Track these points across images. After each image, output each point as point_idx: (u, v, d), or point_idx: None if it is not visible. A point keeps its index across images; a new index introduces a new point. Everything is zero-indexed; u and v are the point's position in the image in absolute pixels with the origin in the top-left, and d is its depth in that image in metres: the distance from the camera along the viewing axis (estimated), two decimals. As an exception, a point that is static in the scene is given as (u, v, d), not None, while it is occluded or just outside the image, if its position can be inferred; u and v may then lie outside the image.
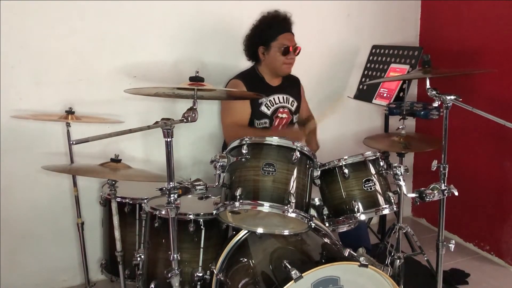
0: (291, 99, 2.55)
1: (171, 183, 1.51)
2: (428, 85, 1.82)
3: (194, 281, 1.91)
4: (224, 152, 1.72)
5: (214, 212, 1.72)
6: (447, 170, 1.79)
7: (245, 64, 2.60)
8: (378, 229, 3.13)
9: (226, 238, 1.96)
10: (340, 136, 3.23)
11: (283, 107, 2.52)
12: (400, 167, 1.73)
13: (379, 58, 3.03)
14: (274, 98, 2.49)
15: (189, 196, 1.60)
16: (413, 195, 1.76)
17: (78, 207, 2.36)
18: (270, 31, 2.39)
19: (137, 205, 2.17)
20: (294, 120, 2.60)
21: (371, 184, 1.79)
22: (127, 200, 2.17)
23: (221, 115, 2.56)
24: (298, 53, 2.44)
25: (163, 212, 1.52)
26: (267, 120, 2.48)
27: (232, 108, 2.44)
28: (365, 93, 3.02)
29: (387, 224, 3.00)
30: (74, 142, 1.29)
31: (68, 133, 2.28)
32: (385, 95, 2.82)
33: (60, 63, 2.42)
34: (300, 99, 2.64)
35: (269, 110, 2.47)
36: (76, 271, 2.65)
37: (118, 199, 2.06)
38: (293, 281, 1.41)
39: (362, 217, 1.78)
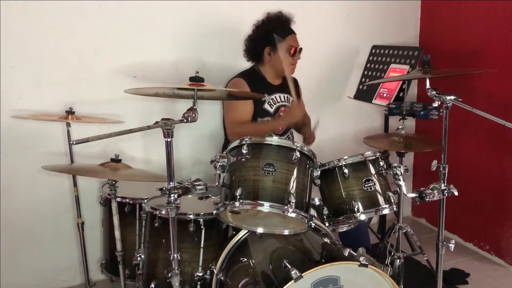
0: (291, 98, 2.55)
1: (171, 183, 1.51)
2: (428, 85, 1.82)
3: (194, 281, 1.91)
4: (224, 152, 1.72)
5: (214, 212, 1.72)
6: (447, 170, 1.79)
7: (245, 64, 2.60)
8: (378, 229, 3.13)
9: (226, 238, 1.97)
10: (340, 136, 3.23)
11: (284, 106, 2.53)
12: (400, 167, 1.73)
13: (379, 58, 3.03)
14: (276, 97, 2.50)
15: (189, 196, 1.61)
16: (413, 195, 1.76)
17: (78, 207, 2.36)
18: (278, 32, 2.39)
19: (137, 205, 2.17)
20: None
21: (371, 184, 1.79)
22: (127, 200, 2.17)
23: (224, 114, 2.56)
24: (300, 53, 2.47)
25: (163, 212, 1.53)
26: (269, 119, 2.49)
27: (235, 106, 2.45)
28: (365, 93, 3.02)
29: (387, 224, 3.01)
30: (74, 142, 1.29)
31: (68, 133, 2.28)
32: (385, 95, 2.82)
33: (60, 63, 2.42)
34: (299, 99, 2.64)
35: (271, 108, 2.49)
36: (76, 271, 2.65)
37: (118, 199, 2.07)
38: (293, 281, 1.41)
39: (362, 217, 1.78)
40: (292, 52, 2.40)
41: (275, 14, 2.45)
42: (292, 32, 2.44)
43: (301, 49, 2.45)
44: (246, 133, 2.15)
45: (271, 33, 2.40)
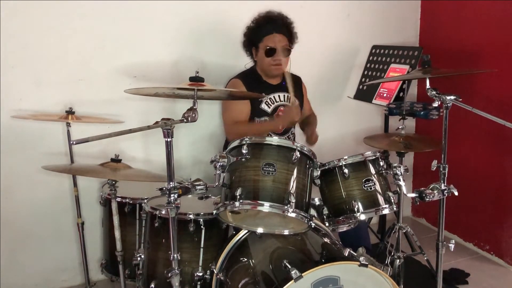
0: (291, 98, 2.55)
1: (171, 183, 1.51)
2: (428, 85, 1.82)
3: (194, 281, 1.91)
4: (224, 152, 1.72)
5: (214, 212, 1.73)
6: (447, 170, 1.79)
7: (245, 63, 2.60)
8: (378, 229, 3.13)
9: (226, 238, 1.97)
10: (340, 136, 3.23)
11: (284, 105, 2.52)
12: (400, 167, 1.73)
13: (379, 58, 3.03)
14: (274, 96, 2.50)
15: (189, 196, 1.61)
16: (413, 195, 1.76)
17: (78, 207, 2.36)
18: (258, 33, 2.40)
19: (137, 205, 2.17)
20: (296, 119, 2.60)
21: (371, 184, 1.79)
22: (127, 200, 2.17)
23: (222, 114, 2.56)
24: (288, 54, 2.41)
25: (163, 212, 1.53)
26: (267, 118, 2.48)
27: (232, 106, 2.45)
28: (365, 93, 3.02)
29: (387, 224, 3.01)
30: (74, 142, 1.29)
31: (68, 133, 2.28)
32: (385, 95, 2.82)
33: (60, 63, 2.42)
34: (302, 98, 2.63)
35: (269, 108, 2.48)
36: (76, 271, 2.65)
37: (118, 199, 2.06)
38: (293, 281, 1.42)
39: (362, 217, 1.78)
40: (266, 52, 2.36)
41: (262, 14, 2.43)
42: (272, 32, 2.36)
43: (288, 50, 2.40)
44: (243, 133, 2.13)
45: (253, 33, 2.42)
